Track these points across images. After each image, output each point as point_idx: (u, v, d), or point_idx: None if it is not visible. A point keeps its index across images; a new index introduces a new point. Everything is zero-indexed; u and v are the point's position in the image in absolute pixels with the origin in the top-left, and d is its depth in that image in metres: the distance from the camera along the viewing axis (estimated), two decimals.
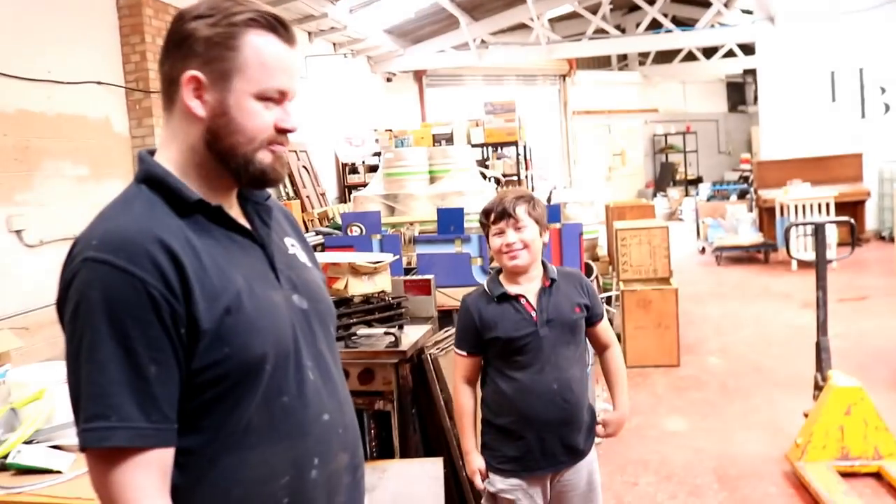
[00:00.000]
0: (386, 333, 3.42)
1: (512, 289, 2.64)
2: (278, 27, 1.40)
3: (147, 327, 1.24)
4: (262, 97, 1.38)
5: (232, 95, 1.37)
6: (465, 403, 2.73)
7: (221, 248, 1.38)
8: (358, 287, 3.42)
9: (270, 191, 1.55)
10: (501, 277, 2.70)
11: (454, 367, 2.78)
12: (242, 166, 1.40)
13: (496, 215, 2.64)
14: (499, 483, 2.65)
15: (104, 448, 1.23)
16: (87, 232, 1.31)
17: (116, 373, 1.23)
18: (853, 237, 5.16)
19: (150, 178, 1.39)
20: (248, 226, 1.47)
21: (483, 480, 2.68)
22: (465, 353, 2.70)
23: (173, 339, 1.27)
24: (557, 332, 2.61)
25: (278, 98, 1.41)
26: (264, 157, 1.40)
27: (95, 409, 1.23)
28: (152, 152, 1.45)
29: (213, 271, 1.33)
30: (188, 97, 1.36)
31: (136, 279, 1.24)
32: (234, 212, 1.47)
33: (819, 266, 4.66)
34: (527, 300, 2.62)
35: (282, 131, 1.42)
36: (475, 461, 2.69)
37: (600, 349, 2.88)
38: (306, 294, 1.50)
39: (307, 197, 8.93)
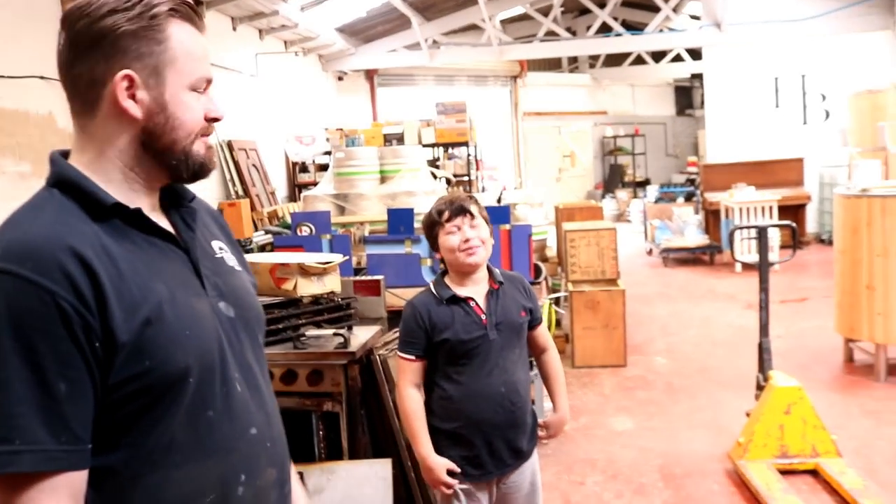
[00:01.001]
0: (335, 334, 3.40)
1: (460, 291, 2.64)
2: (193, 15, 1.36)
3: (57, 342, 1.15)
4: (193, 88, 1.35)
5: (168, 90, 1.31)
6: (415, 408, 2.63)
7: (141, 253, 1.30)
8: (307, 288, 3.40)
9: (212, 190, 1.51)
10: (447, 280, 2.69)
11: (399, 372, 2.70)
12: (182, 161, 1.35)
13: (451, 212, 2.63)
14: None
15: (7, 474, 1.13)
16: None
17: (21, 391, 1.13)
18: (795, 240, 5.28)
19: (63, 182, 1.30)
20: (170, 229, 1.40)
21: (453, 476, 2.59)
22: (412, 357, 2.63)
23: (86, 354, 1.18)
24: (506, 335, 2.62)
25: (204, 87, 1.37)
26: (199, 148, 1.37)
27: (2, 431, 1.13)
28: (65, 154, 1.36)
29: (132, 279, 1.24)
30: (122, 98, 1.29)
31: (45, 291, 1.15)
32: (156, 215, 1.40)
33: (762, 269, 4.76)
34: (476, 303, 2.63)
35: (211, 120, 1.38)
36: (438, 462, 2.59)
37: (538, 352, 2.89)
38: (234, 301, 1.43)
39: (257, 195, 8.85)
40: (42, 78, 5.92)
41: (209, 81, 1.38)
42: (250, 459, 1.37)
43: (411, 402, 2.64)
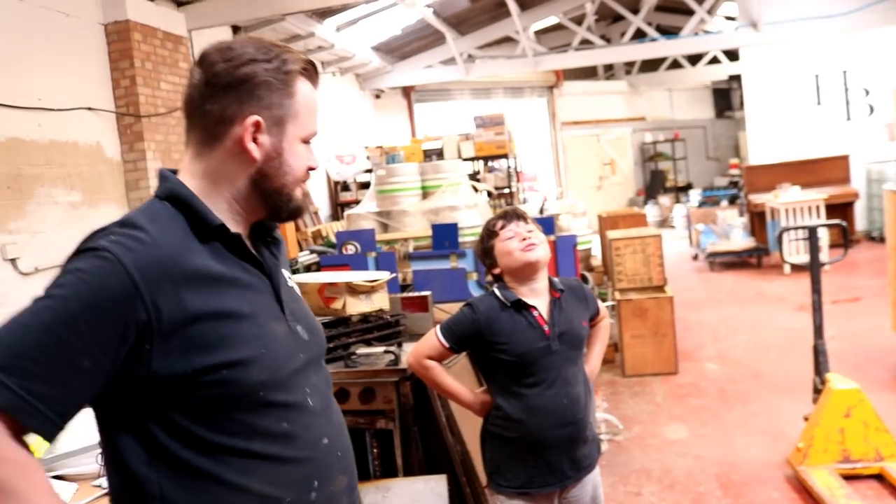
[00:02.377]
0: (385, 352, 3.39)
1: (525, 299, 2.62)
2: (316, 77, 1.51)
3: (108, 326, 1.25)
4: (304, 140, 1.49)
5: (286, 139, 1.45)
6: (439, 368, 2.67)
7: (234, 276, 1.41)
8: (356, 306, 3.40)
9: None
10: (510, 285, 2.67)
11: (422, 343, 2.70)
12: (285, 203, 1.49)
13: (506, 220, 2.65)
14: None
15: None
16: (109, 227, 1.34)
17: (51, 343, 1.22)
18: (845, 239, 5.16)
19: (175, 198, 1.42)
20: (258, 257, 1.51)
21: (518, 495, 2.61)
22: (445, 343, 2.63)
23: (123, 351, 1.27)
24: (567, 346, 2.59)
25: (309, 140, 1.52)
26: (298, 193, 1.51)
27: (7, 360, 1.20)
28: (174, 171, 1.48)
29: (220, 297, 1.36)
30: (248, 139, 1.42)
31: (130, 284, 1.26)
32: (247, 244, 1.51)
33: (813, 269, 4.66)
34: (539, 313, 2.60)
35: (310, 169, 1.53)
36: (477, 399, 2.68)
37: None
38: (306, 325, 1.55)
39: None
40: (89, 109, 6.04)
41: (313, 136, 1.52)
42: (323, 467, 1.48)
43: (433, 366, 2.67)
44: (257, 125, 1.42)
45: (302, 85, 1.47)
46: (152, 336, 1.28)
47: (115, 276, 1.26)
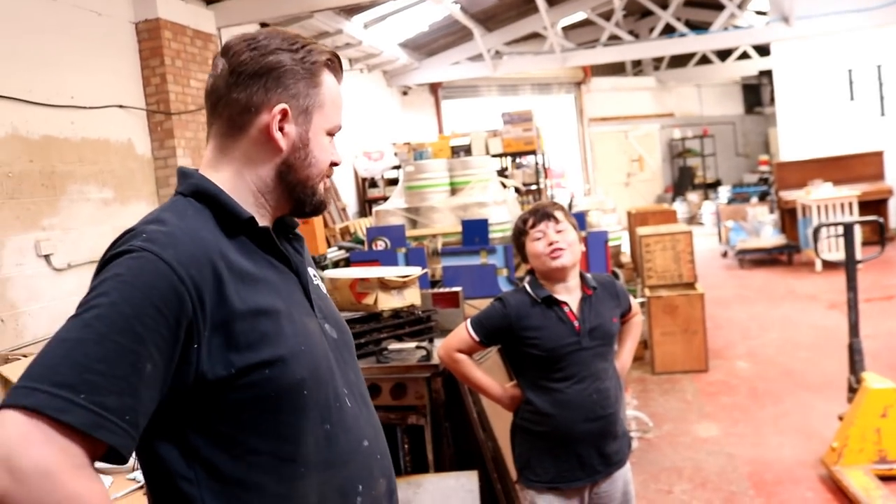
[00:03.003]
0: (417, 347, 3.41)
1: (556, 295, 2.62)
2: (340, 70, 1.49)
3: (164, 326, 1.19)
4: (330, 133, 1.47)
5: (312, 130, 1.43)
6: (469, 362, 2.71)
7: (265, 271, 1.37)
8: (387, 302, 3.40)
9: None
10: (540, 284, 2.67)
11: (452, 337, 2.75)
12: (309, 197, 1.46)
13: (536, 218, 2.64)
14: (537, 500, 2.63)
15: (61, 422, 1.08)
16: (138, 227, 1.29)
17: (111, 352, 1.14)
18: (882, 236, 5.08)
19: (201, 193, 1.38)
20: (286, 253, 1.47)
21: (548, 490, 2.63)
22: (476, 337, 2.67)
23: (176, 351, 1.21)
24: (598, 342, 2.59)
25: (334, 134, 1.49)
26: (321, 188, 1.48)
27: (70, 377, 1.10)
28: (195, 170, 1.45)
29: (256, 293, 1.31)
30: (274, 128, 1.39)
31: (177, 278, 1.21)
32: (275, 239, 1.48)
33: (849, 267, 4.60)
34: (570, 308, 2.60)
35: (333, 164, 1.50)
36: (507, 393, 2.71)
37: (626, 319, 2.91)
38: (334, 324, 1.52)
39: (328, 212, 8.94)
40: (121, 107, 6.10)
41: (338, 129, 1.49)
42: (365, 471, 1.43)
43: (463, 359, 2.70)
44: (284, 113, 1.39)
45: (327, 77, 1.45)
46: (200, 334, 1.23)
47: (160, 274, 1.20)
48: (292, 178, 1.43)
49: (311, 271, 1.57)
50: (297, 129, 1.42)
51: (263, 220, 1.43)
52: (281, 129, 1.40)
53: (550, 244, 2.58)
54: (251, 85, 1.38)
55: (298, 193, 1.45)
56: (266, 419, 1.30)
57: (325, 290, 1.60)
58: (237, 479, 1.28)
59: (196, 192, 1.38)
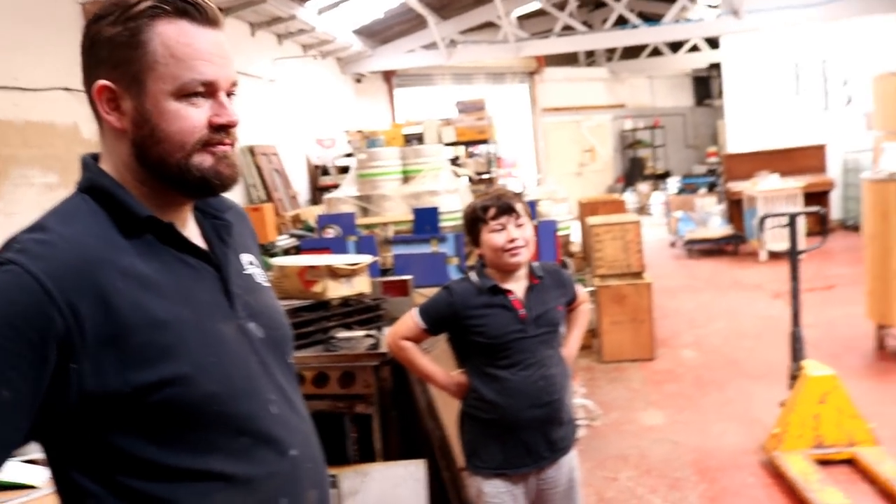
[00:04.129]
0: (366, 336, 3.39)
1: (501, 284, 2.63)
2: (190, 9, 1.22)
3: (24, 348, 1.09)
4: (184, 94, 1.22)
5: (148, 100, 1.21)
6: (415, 350, 2.71)
7: (170, 275, 1.25)
8: (336, 290, 3.39)
9: (235, 196, 1.46)
10: (487, 272, 2.67)
11: (399, 325, 2.75)
12: (179, 176, 1.25)
13: (498, 210, 2.60)
14: (484, 486, 2.64)
15: None
16: (18, 235, 1.19)
17: None
18: (824, 227, 5.20)
19: (96, 189, 1.25)
20: (203, 245, 1.34)
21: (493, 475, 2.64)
22: (423, 325, 2.66)
23: (45, 373, 1.11)
24: (543, 329, 2.61)
25: (206, 91, 1.24)
26: (202, 160, 1.25)
27: None
28: (96, 157, 1.31)
29: (156, 303, 1.19)
30: (102, 110, 1.23)
31: (44, 295, 1.10)
32: (190, 230, 1.34)
33: (792, 257, 4.69)
34: (515, 297, 2.61)
35: (219, 127, 1.26)
36: (453, 381, 2.71)
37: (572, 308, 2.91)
38: (264, 321, 1.38)
39: (279, 200, 8.86)
40: (66, 90, 5.95)
41: (211, 84, 1.25)
42: (292, 482, 1.34)
43: (409, 347, 2.70)
44: (108, 90, 1.22)
45: (161, 28, 1.20)
46: (76, 352, 1.12)
47: (24, 289, 1.09)
48: (148, 160, 1.24)
49: (248, 258, 1.45)
50: (131, 104, 1.22)
51: (168, 213, 1.29)
52: (117, 109, 1.23)
53: (511, 241, 2.57)
54: (84, 67, 1.26)
55: (166, 175, 1.25)
56: (175, 435, 1.20)
57: (262, 280, 1.46)
58: (149, 497, 1.20)
59: (91, 188, 1.26)
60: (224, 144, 1.27)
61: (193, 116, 1.23)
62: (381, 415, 3.26)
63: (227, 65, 1.27)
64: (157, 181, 1.26)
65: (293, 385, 1.43)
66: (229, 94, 1.29)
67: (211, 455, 1.23)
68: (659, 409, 5.43)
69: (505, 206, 2.60)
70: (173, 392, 1.18)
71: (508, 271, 2.63)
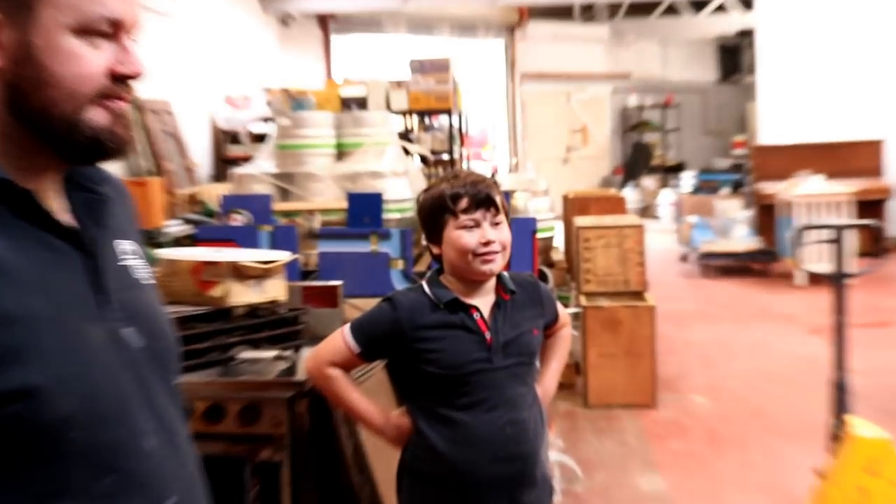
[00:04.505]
0: (277, 357, 3.35)
1: (463, 298, 2.57)
2: None
3: None
4: (85, 31, 1.24)
5: (39, 32, 1.21)
6: (346, 380, 2.64)
7: (24, 258, 1.22)
8: (241, 295, 3.33)
9: (116, 167, 1.43)
10: (444, 280, 2.62)
11: (324, 346, 2.68)
12: (64, 133, 1.25)
13: (472, 201, 2.51)
14: None
15: None
16: None
17: None
18: (879, 245, 5.26)
19: None
20: (73, 223, 1.33)
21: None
22: (355, 350, 2.58)
23: None
24: (514, 359, 2.55)
25: (110, 32, 1.26)
26: (96, 116, 1.26)
27: None
28: None
29: (2, 291, 1.17)
30: None
31: None
32: (57, 203, 1.33)
33: (837, 282, 4.72)
34: (481, 316, 2.55)
35: (120, 78, 1.28)
36: (392, 423, 2.65)
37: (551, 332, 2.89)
38: (146, 327, 1.38)
39: (171, 172, 8.74)
40: None
41: (118, 24, 1.26)
42: None
43: (337, 376, 2.63)
44: None
45: None
46: None
47: None
48: (26, 107, 1.23)
49: (127, 246, 1.44)
50: (15, 35, 1.21)
51: (29, 179, 1.27)
52: None
53: (486, 243, 2.51)
54: None
55: (45, 129, 1.25)
56: (14, 470, 1.17)
57: (144, 276, 1.47)
58: None
59: None
60: (122, 99, 1.29)
61: (93, 60, 1.24)
62: (294, 463, 3.22)
63: (135, 3, 1.29)
64: (29, 135, 1.26)
65: (178, 415, 1.42)
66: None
67: (60, 501, 1.20)
68: (659, 473, 5.44)
69: (482, 198, 2.52)
70: (17, 410, 1.14)
71: (474, 281, 2.58)
